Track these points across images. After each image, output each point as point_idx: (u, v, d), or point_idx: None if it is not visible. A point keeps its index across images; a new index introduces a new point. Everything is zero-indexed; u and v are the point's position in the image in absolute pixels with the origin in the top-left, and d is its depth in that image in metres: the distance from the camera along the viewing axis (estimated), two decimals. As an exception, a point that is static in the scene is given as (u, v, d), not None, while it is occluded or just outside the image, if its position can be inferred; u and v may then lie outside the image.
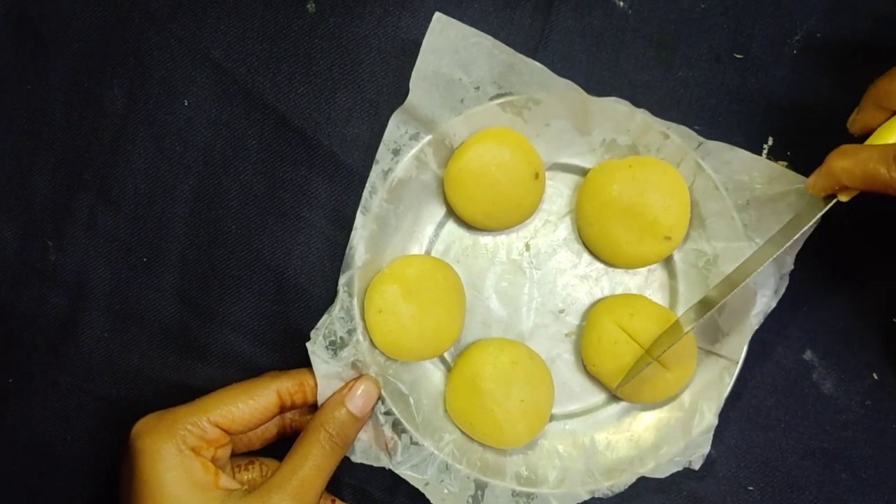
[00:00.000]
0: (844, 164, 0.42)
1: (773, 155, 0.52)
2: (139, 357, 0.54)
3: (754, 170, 0.49)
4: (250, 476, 0.49)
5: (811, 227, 0.45)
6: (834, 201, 0.44)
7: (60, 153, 0.54)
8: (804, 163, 0.52)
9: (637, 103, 0.50)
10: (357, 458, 0.50)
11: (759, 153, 0.52)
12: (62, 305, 0.54)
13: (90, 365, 0.54)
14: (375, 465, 0.51)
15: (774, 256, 0.45)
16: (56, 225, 0.54)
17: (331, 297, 0.52)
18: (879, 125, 0.44)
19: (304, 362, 0.50)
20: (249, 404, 0.46)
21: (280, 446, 0.50)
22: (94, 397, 0.54)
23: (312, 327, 0.50)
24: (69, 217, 0.54)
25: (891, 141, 0.43)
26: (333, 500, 0.51)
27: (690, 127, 0.50)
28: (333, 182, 0.53)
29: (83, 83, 0.54)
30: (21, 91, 0.54)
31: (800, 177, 0.49)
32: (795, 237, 0.45)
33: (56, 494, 0.55)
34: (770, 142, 0.53)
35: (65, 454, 0.55)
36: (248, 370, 0.53)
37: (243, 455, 0.50)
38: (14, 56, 0.54)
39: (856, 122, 0.46)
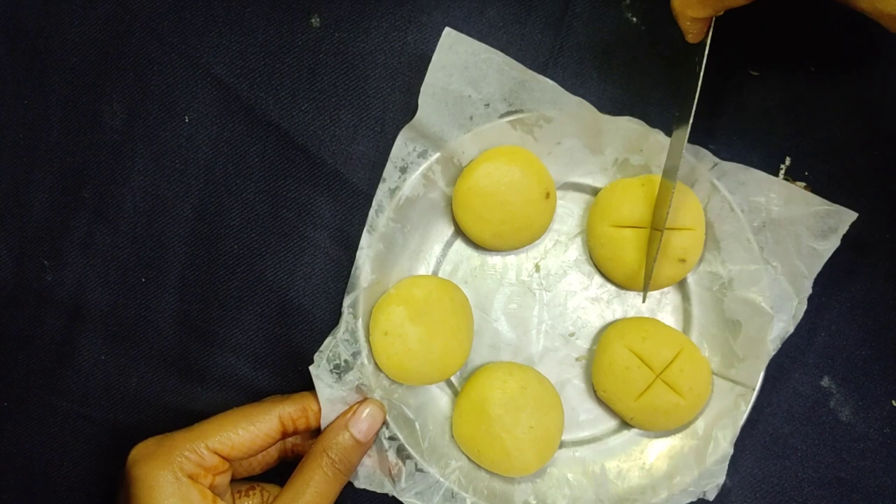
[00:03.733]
0: None
1: (791, 175, 0.51)
2: (137, 380, 0.53)
3: (770, 191, 0.48)
4: (251, 503, 0.48)
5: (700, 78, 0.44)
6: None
7: (58, 170, 0.53)
8: (822, 183, 0.51)
9: (650, 121, 0.49)
10: (360, 483, 0.49)
11: (776, 174, 0.51)
12: (58, 327, 0.53)
13: (87, 388, 0.53)
14: (379, 491, 0.49)
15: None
16: (53, 244, 0.53)
17: (335, 319, 0.51)
18: None
19: (307, 386, 0.49)
20: (250, 430, 0.45)
21: (281, 471, 0.48)
22: (90, 422, 0.53)
23: (316, 350, 0.49)
24: (66, 236, 0.53)
25: None
26: (336, 530, 0.50)
27: (705, 146, 0.49)
28: (338, 201, 0.52)
29: (81, 98, 0.53)
30: (18, 106, 0.53)
31: (818, 198, 0.48)
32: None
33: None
34: (787, 162, 0.51)
35: (60, 480, 0.53)
36: (250, 394, 0.52)
37: (243, 480, 0.49)
38: (10, 70, 0.53)
39: None
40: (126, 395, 0.53)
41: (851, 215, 0.47)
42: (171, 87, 0.53)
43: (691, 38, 0.46)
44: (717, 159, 0.49)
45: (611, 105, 0.51)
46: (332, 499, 0.45)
